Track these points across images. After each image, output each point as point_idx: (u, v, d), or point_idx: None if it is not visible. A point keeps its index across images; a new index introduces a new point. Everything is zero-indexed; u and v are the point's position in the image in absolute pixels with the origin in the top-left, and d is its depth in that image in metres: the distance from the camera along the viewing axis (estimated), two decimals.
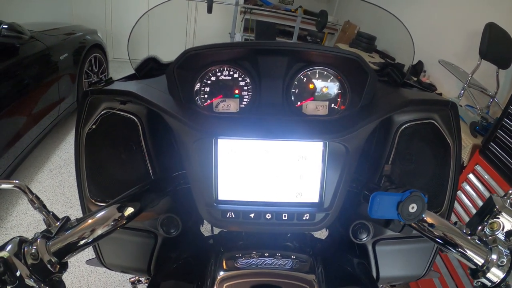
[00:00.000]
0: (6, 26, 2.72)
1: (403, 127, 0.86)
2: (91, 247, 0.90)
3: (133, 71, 0.96)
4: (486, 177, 1.85)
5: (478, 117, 2.27)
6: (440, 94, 0.95)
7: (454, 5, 3.27)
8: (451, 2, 3.33)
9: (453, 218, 0.71)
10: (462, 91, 2.46)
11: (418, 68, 3.52)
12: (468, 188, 1.97)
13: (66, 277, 2.21)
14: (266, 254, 0.81)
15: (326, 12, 2.10)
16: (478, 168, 1.92)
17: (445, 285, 1.92)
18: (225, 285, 0.72)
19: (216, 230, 1.09)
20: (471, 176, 1.96)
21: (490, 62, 2.28)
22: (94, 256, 1.00)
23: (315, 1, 6.53)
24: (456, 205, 2.02)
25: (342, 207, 0.83)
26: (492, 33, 2.20)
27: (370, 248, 0.96)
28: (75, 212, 2.70)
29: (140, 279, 1.32)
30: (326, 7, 6.65)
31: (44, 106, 3.20)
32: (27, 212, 2.72)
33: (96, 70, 4.44)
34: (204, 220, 1.10)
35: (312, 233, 1.03)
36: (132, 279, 1.31)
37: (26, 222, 2.63)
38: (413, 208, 0.64)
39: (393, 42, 3.56)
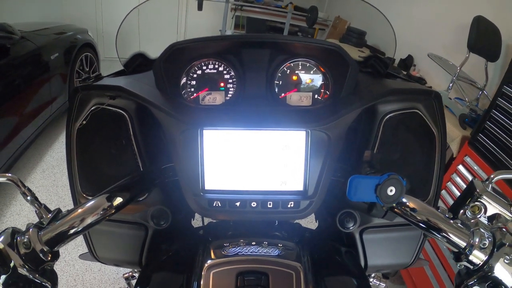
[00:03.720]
0: None
1: (387, 116, 0.87)
2: (83, 241, 0.92)
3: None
4: (475, 167, 1.88)
5: (467, 109, 2.29)
6: (430, 88, 0.96)
7: None
8: None
9: (440, 206, 0.72)
10: (451, 84, 2.48)
11: (408, 62, 3.54)
12: (458, 179, 1.99)
13: (61, 275, 2.22)
14: (253, 243, 0.82)
15: (316, 8, 2.11)
16: (468, 159, 1.95)
17: (436, 273, 1.95)
18: (212, 272, 0.74)
19: (207, 222, 1.11)
20: (460, 167, 1.99)
21: (478, 55, 2.30)
22: (87, 251, 1.02)
23: None
24: (446, 196, 2.05)
25: (329, 197, 0.84)
26: (480, 26, 2.22)
27: (357, 236, 0.98)
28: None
29: (134, 274, 1.33)
30: (316, 3, 6.64)
31: (35, 106, 3.20)
32: (21, 212, 2.73)
33: (88, 69, 4.42)
34: (196, 213, 1.12)
35: (300, 223, 1.05)
36: (126, 275, 1.32)
37: (20, 223, 2.63)
38: (391, 191, 0.65)
39: (382, 36, 3.58)
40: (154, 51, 0.99)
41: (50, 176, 3.23)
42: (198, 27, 6.36)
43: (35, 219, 0.68)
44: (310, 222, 0.99)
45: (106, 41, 6.29)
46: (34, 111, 3.18)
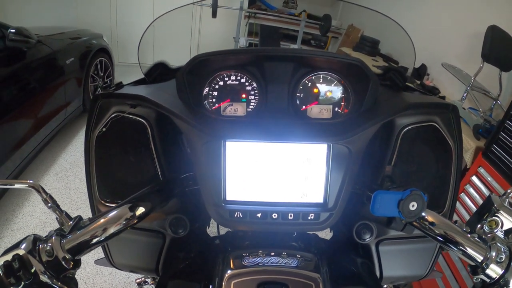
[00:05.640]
0: (13, 31, 2.76)
1: (405, 129, 0.88)
2: (100, 247, 0.93)
3: (140, 75, 0.99)
4: (489, 179, 1.86)
5: (481, 119, 2.28)
6: (443, 97, 0.97)
7: (456, 8, 3.29)
8: (453, 5, 3.35)
9: (457, 220, 0.73)
10: (465, 94, 2.47)
11: (421, 71, 3.52)
12: (471, 190, 1.98)
13: None
14: (272, 253, 0.82)
15: (329, 16, 2.12)
16: (481, 170, 1.93)
17: (448, 285, 1.93)
18: (233, 283, 0.74)
19: (222, 232, 1.11)
20: (474, 178, 1.97)
21: (492, 65, 2.29)
22: (103, 256, 1.03)
23: (319, 5, 6.54)
24: (460, 207, 2.03)
25: (346, 208, 0.84)
26: (494, 35, 2.21)
27: (373, 248, 0.98)
28: (82, 214, 2.74)
29: (147, 280, 1.33)
30: (329, 11, 6.65)
31: (50, 110, 3.24)
32: (33, 214, 2.75)
33: (102, 74, 4.48)
34: (211, 222, 1.12)
35: (317, 234, 1.05)
36: (139, 280, 1.33)
37: (32, 224, 2.66)
38: (413, 206, 0.66)
39: (396, 45, 3.57)
40: (169, 59, 1.00)
41: (63, 179, 3.26)
42: (212, 35, 6.37)
43: (47, 221, 0.69)
44: (323, 231, 0.99)
45: (121, 46, 6.34)
46: (48, 114, 3.22)
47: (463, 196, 2.03)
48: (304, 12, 5.94)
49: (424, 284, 2.20)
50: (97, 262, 1.07)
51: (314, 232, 1.02)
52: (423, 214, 0.70)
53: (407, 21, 3.94)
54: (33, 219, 2.71)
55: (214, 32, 6.31)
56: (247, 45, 5.26)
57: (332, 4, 6.71)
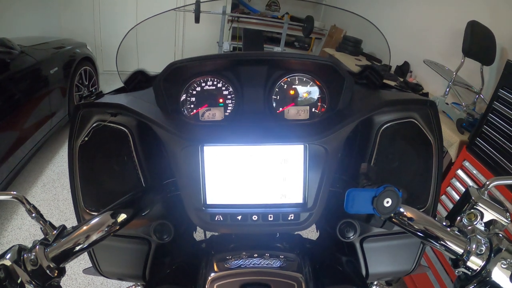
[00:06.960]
0: None
1: (384, 127, 0.89)
2: (87, 256, 0.92)
3: (122, 84, 0.99)
4: (474, 172, 1.89)
5: (464, 114, 2.30)
6: (427, 94, 0.98)
7: (437, 5, 3.33)
8: (434, 3, 3.39)
9: (444, 213, 0.73)
10: (447, 89, 2.50)
11: (404, 68, 3.56)
12: (457, 184, 2.00)
13: None
14: (255, 255, 0.83)
15: (312, 18, 2.14)
16: (466, 163, 1.96)
17: (439, 279, 1.95)
18: (215, 285, 0.75)
19: (209, 235, 1.12)
20: (459, 172, 2.00)
21: (473, 60, 2.32)
22: (91, 265, 1.02)
23: (302, 7, 6.59)
24: (446, 201, 2.06)
25: (329, 207, 0.85)
26: (474, 31, 2.24)
27: (358, 245, 0.98)
28: (71, 225, 2.71)
29: None
30: (312, 12, 6.68)
31: (36, 121, 3.22)
32: (22, 227, 2.73)
33: (87, 83, 4.45)
34: (197, 227, 1.13)
35: (302, 234, 1.06)
36: None
37: (21, 237, 2.63)
38: (387, 202, 0.66)
39: (378, 44, 3.61)
40: (153, 66, 1.00)
41: (51, 190, 3.24)
42: (195, 41, 6.39)
43: (36, 233, 0.69)
44: (311, 232, 1.00)
45: (105, 55, 6.33)
46: (34, 125, 3.19)
47: (449, 190, 2.05)
48: (287, 15, 5.95)
49: (415, 279, 2.22)
50: (85, 271, 1.07)
51: (298, 232, 1.03)
52: (402, 210, 0.71)
53: (389, 20, 4.01)
54: (22, 232, 2.69)
55: (199, 37, 6.32)
56: (231, 49, 5.28)
57: (314, 5, 6.75)
